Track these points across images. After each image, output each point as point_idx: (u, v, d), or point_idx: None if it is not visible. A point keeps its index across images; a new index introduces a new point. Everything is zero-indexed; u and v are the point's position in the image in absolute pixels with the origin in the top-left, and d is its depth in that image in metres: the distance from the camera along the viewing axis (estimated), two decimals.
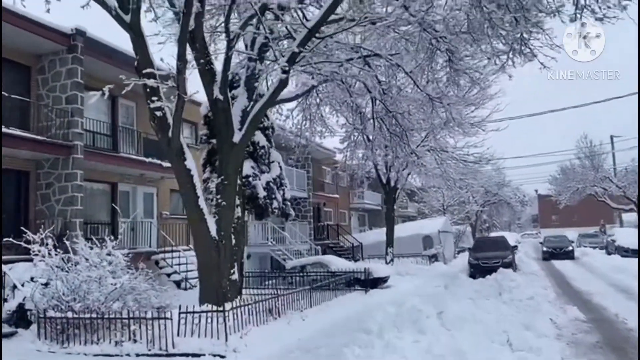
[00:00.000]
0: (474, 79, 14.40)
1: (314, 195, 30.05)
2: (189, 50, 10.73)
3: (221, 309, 9.51)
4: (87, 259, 10.67)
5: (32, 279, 11.00)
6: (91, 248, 10.88)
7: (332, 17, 11.14)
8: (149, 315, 9.55)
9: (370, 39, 12.87)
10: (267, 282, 18.38)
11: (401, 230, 30.32)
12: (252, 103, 12.22)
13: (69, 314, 9.75)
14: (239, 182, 12.28)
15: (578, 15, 9.45)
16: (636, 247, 26.21)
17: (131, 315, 9.61)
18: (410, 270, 23.67)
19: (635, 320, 10.34)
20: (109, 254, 10.89)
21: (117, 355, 9.09)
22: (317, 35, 11.09)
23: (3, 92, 12.87)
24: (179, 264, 17.29)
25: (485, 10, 9.45)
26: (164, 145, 11.07)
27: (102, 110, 16.80)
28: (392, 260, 25.64)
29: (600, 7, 9.16)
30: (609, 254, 31.54)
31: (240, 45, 12.58)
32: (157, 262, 17.13)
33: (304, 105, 17.39)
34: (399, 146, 17.89)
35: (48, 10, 9.08)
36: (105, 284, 10.37)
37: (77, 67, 14.43)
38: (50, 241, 10.65)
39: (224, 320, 9.25)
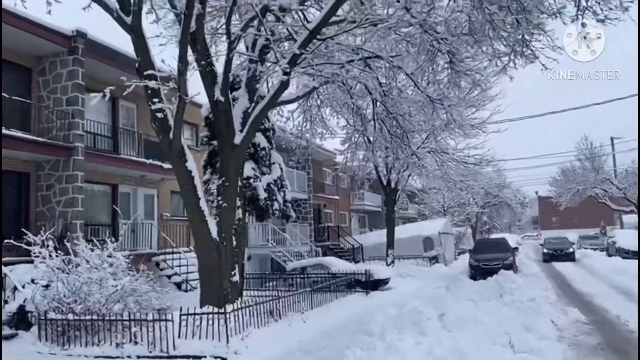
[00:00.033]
0: (475, 81, 14.41)
1: (314, 197, 30.03)
2: (190, 52, 10.72)
3: (222, 310, 9.48)
4: (87, 261, 10.66)
5: (32, 280, 11.00)
6: (92, 250, 10.86)
7: (333, 18, 11.14)
8: (149, 317, 9.53)
9: (371, 41, 12.87)
10: (267, 284, 18.34)
11: (401, 231, 30.31)
12: (253, 105, 12.22)
13: (70, 316, 9.73)
14: (239, 183, 12.28)
15: (579, 17, 9.44)
16: (637, 249, 26.17)
17: (132, 317, 9.58)
18: (411, 272, 23.65)
19: (636, 322, 10.32)
20: (109, 256, 10.88)
21: (118, 357, 9.06)
22: (318, 36, 11.10)
23: (4, 94, 12.88)
24: (180, 266, 17.27)
25: (487, 12, 9.46)
26: (165, 147, 11.08)
27: (102, 111, 16.80)
28: (392, 261, 25.63)
29: (602, 9, 9.17)
30: (609, 255, 31.51)
31: (241, 47, 12.60)
32: (157, 264, 17.12)
33: (304, 107, 17.41)
34: (399, 148, 17.91)
35: (49, 12, 9.09)
36: (106, 286, 10.35)
37: (78, 69, 14.43)
38: (51, 243, 10.64)
39: (225, 322, 9.24)
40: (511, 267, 21.99)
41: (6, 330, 10.18)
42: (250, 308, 10.64)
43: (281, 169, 17.44)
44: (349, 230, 35.01)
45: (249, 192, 15.30)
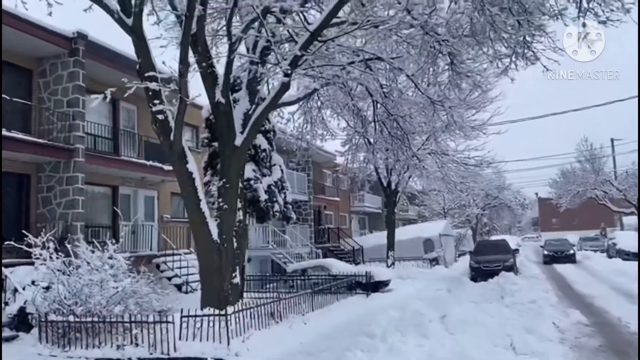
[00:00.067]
0: (476, 82, 14.40)
1: (314, 199, 30.02)
2: (191, 53, 10.70)
3: (223, 312, 9.47)
4: (88, 263, 10.64)
5: (33, 282, 10.97)
6: (92, 251, 10.84)
7: (334, 20, 11.14)
8: (150, 319, 9.49)
9: (371, 42, 12.86)
10: (268, 286, 18.34)
11: (402, 233, 30.30)
12: (253, 106, 12.22)
13: (71, 318, 9.71)
14: (240, 185, 12.26)
15: (581, 18, 9.44)
16: (637, 251, 26.13)
17: (133, 319, 9.56)
18: (412, 274, 23.62)
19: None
20: (110, 258, 10.85)
21: (118, 359, 9.03)
22: (319, 38, 11.09)
23: (5, 96, 12.87)
24: (180, 267, 17.25)
25: (488, 14, 9.44)
26: (166, 149, 11.07)
27: (103, 113, 16.80)
28: (393, 263, 25.62)
29: (603, 10, 9.16)
30: (610, 257, 31.46)
31: (242, 48, 12.58)
32: (158, 266, 17.10)
33: (305, 109, 17.39)
34: (400, 149, 17.89)
35: (50, 14, 9.08)
36: (106, 288, 10.33)
37: (78, 71, 14.43)
38: (51, 244, 10.60)
39: (226, 324, 9.22)
40: (512, 268, 21.97)
41: (7, 332, 10.16)
42: (251, 310, 10.61)
43: (282, 170, 17.43)
44: (349, 232, 35.00)
45: (249, 194, 15.29)
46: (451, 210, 45.24)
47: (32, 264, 10.75)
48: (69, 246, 11.33)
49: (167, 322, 9.25)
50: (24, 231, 11.37)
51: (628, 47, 21.58)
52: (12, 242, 10.75)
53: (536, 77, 11.77)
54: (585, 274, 23.10)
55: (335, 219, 34.96)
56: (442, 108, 15.18)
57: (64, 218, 13.93)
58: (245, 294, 12.96)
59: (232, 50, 11.17)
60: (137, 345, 9.24)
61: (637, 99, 19.49)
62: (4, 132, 12.26)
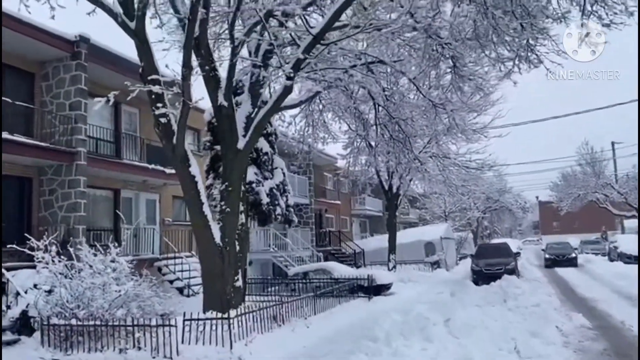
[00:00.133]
0: (478, 85, 14.39)
1: (315, 202, 30.02)
2: (193, 57, 10.74)
3: (226, 316, 9.45)
4: (90, 266, 10.61)
5: (35, 286, 10.92)
6: (95, 255, 10.82)
7: (337, 23, 11.15)
8: (153, 322, 9.49)
9: (373, 46, 12.87)
10: (269, 289, 18.31)
11: (403, 236, 30.25)
12: (256, 109, 12.22)
13: (73, 321, 9.67)
14: (242, 188, 12.25)
15: (584, 21, 9.44)
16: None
17: (135, 323, 9.53)
18: (413, 277, 23.59)
19: None
20: (112, 261, 10.83)
21: None
22: (321, 41, 11.09)
23: (7, 99, 12.88)
24: (182, 271, 17.24)
25: (492, 17, 9.44)
26: (168, 152, 11.06)
27: (105, 116, 16.80)
28: (394, 267, 25.57)
29: (607, 13, 9.17)
30: (611, 260, 31.43)
31: (244, 52, 12.61)
32: (159, 269, 17.07)
33: (306, 112, 17.39)
34: (401, 152, 17.86)
35: (53, 17, 9.10)
36: (109, 291, 10.30)
37: (81, 74, 14.43)
38: (53, 248, 10.59)
39: (229, 327, 9.21)
40: (513, 272, 21.92)
41: (9, 336, 10.11)
42: (254, 313, 10.60)
43: (283, 173, 17.43)
44: (350, 235, 34.97)
45: (251, 197, 15.30)
46: (452, 213, 45.20)
47: (34, 267, 10.74)
48: (71, 249, 11.31)
49: (169, 325, 9.23)
50: (26, 234, 11.38)
51: (628, 47, 21.57)
52: (14, 246, 10.74)
53: (538, 79, 11.80)
54: (587, 278, 23.08)
55: (337, 222, 34.93)
56: (443, 111, 15.17)
57: (66, 221, 13.90)
58: (247, 298, 12.95)
59: (234, 53, 11.19)
60: (139, 348, 9.20)
61: (637, 102, 19.48)
62: (6, 135, 12.25)
